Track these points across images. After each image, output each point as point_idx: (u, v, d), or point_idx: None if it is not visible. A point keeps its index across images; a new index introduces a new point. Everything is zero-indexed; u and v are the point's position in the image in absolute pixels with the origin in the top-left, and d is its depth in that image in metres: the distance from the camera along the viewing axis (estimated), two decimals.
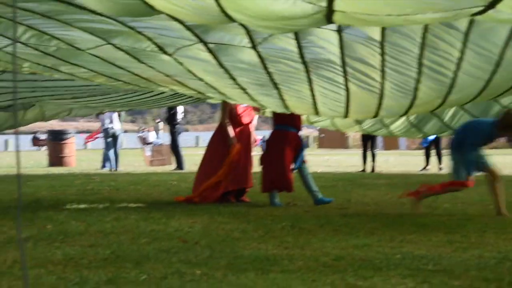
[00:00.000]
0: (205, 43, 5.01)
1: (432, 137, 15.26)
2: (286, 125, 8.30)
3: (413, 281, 3.91)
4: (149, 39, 5.00)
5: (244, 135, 8.90)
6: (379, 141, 28.68)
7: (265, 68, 5.66)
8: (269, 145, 8.50)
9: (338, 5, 2.85)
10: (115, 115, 17.07)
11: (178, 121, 17.13)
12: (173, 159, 17.83)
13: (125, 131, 28.57)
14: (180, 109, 17.16)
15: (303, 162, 8.39)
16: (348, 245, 5.21)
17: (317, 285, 3.84)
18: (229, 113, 8.79)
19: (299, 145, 8.35)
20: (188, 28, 4.65)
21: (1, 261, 4.56)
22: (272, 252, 4.93)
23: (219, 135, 8.88)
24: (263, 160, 8.39)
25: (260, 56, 5.33)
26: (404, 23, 3.46)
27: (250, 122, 9.11)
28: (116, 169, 16.89)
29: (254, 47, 5.06)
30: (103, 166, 17.64)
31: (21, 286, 3.81)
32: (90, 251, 4.95)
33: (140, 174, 15.31)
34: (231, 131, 8.71)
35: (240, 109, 8.85)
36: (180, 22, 4.49)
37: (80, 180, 12.88)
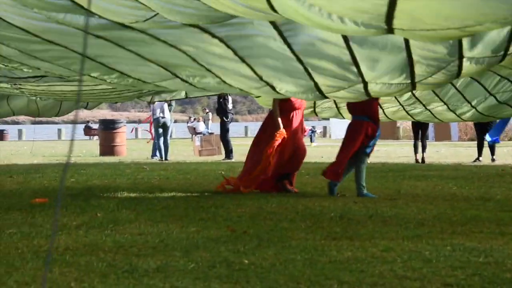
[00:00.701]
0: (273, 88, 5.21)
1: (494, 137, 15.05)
2: (361, 116, 8.22)
3: (464, 273, 3.84)
4: (217, 76, 5.19)
5: (296, 121, 8.90)
6: (430, 131, 28.28)
7: None
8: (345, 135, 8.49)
9: (397, 24, 2.84)
10: (166, 105, 17.23)
11: (229, 110, 17.19)
12: (222, 149, 17.92)
13: (175, 121, 28.81)
14: (229, 99, 17.23)
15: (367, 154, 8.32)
16: (397, 236, 5.16)
17: (365, 276, 3.80)
18: (281, 99, 8.74)
19: (373, 136, 8.24)
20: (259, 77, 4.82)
21: (53, 248, 4.65)
22: (320, 242, 4.91)
23: (270, 124, 8.90)
24: None
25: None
26: (461, 35, 3.41)
27: (302, 108, 9.07)
28: (166, 159, 17.06)
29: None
30: (153, 156, 17.83)
31: (73, 272, 3.88)
32: (139, 239, 5.01)
33: (190, 163, 15.44)
34: (280, 120, 8.72)
35: None
36: (255, 72, 4.67)
37: (131, 169, 13.05)
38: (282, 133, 8.66)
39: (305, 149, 9.05)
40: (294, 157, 8.79)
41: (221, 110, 17.12)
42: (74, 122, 2.84)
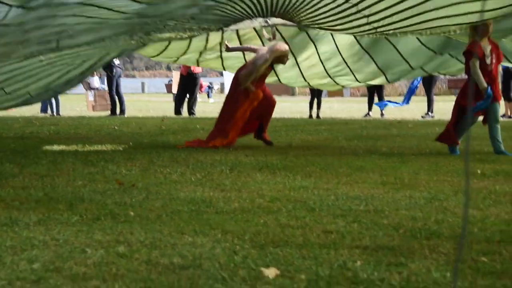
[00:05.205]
0: None
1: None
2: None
3: (344, 221, 3.96)
4: None
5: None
6: None
7: None
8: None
9: None
10: None
11: (115, 64, 16.66)
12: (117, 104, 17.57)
13: None
14: None
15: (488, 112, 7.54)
16: (284, 187, 5.25)
17: (250, 225, 3.85)
18: None
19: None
20: None
21: None
22: (209, 194, 4.93)
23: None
24: None
25: None
26: None
27: None
28: (58, 114, 16.61)
29: None
30: (43, 110, 17.32)
31: None
32: (22, 193, 4.86)
33: (82, 118, 15.10)
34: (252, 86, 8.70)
35: None
36: None
37: (19, 124, 12.63)
38: (258, 95, 8.65)
39: (274, 100, 8.96)
40: (265, 109, 8.76)
41: (107, 65, 16.64)
42: None
